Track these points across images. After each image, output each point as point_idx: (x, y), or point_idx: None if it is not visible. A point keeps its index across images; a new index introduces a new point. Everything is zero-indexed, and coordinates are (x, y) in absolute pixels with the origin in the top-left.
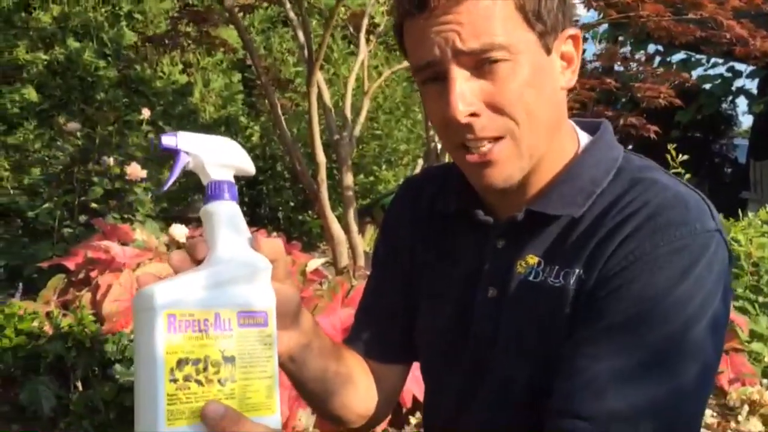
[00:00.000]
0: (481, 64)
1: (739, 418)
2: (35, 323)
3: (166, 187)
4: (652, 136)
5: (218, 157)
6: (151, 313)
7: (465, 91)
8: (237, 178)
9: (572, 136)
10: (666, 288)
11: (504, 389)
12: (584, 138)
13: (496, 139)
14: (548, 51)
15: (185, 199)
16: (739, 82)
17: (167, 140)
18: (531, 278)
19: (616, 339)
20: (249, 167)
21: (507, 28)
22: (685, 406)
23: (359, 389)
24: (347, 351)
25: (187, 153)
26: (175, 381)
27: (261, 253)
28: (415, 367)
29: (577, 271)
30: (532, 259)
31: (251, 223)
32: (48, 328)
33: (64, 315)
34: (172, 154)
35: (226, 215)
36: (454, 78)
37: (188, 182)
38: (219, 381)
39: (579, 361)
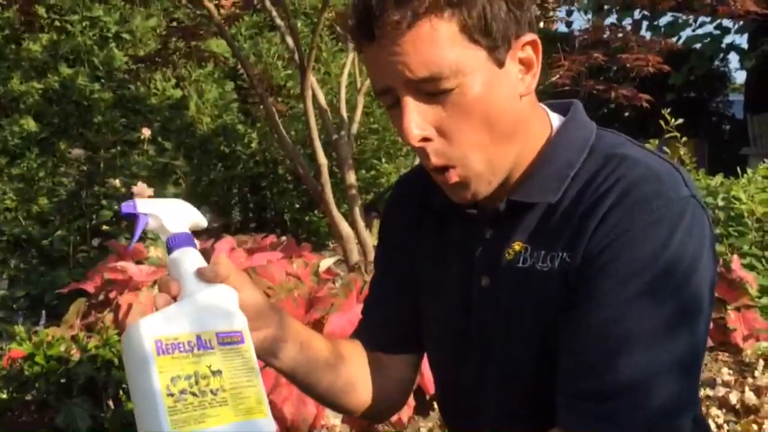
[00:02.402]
0: (432, 90)
1: (756, 373)
2: (63, 348)
3: (131, 246)
4: (645, 105)
5: (173, 214)
6: (140, 341)
7: (417, 117)
8: (239, 186)
9: (544, 121)
10: (651, 258)
11: (512, 374)
12: (556, 120)
13: (448, 167)
14: (500, 64)
15: None
16: (728, 39)
17: (127, 207)
18: (519, 264)
19: (610, 316)
20: (201, 221)
21: (454, 51)
22: (690, 361)
23: (362, 389)
24: (348, 351)
25: (145, 215)
26: (172, 395)
27: (211, 276)
28: None
29: (561, 253)
30: (519, 246)
31: (258, 228)
32: (75, 352)
33: (89, 337)
34: (132, 218)
35: (188, 259)
36: (406, 105)
37: (191, 198)
38: (211, 391)
39: (576, 342)
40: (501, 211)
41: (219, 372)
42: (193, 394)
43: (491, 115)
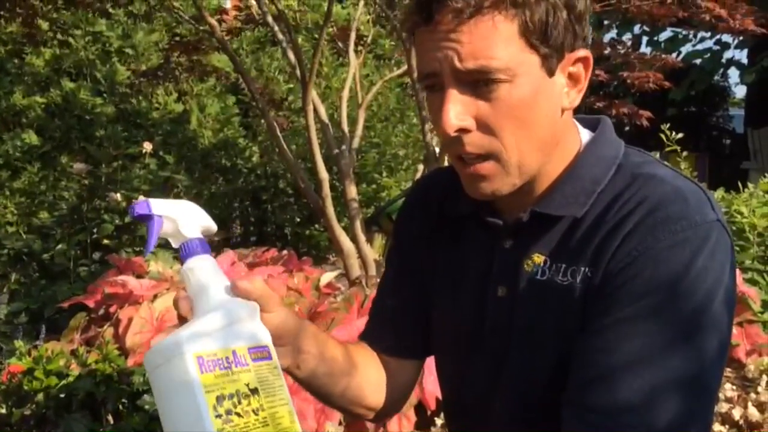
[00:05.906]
0: (477, 82)
1: (759, 389)
2: (62, 363)
3: (149, 251)
4: (645, 123)
5: (187, 218)
6: (180, 359)
7: (458, 107)
8: (240, 199)
9: (574, 135)
10: (671, 279)
11: (523, 385)
12: (585, 136)
13: (483, 157)
14: (551, 73)
15: None
16: (728, 54)
17: (140, 208)
18: (538, 277)
19: (625, 331)
20: (212, 225)
21: (508, 50)
22: (704, 382)
23: (373, 393)
24: (360, 353)
25: (160, 217)
26: (219, 417)
27: (246, 294)
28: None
29: (583, 269)
30: (539, 258)
31: (259, 242)
32: (75, 367)
33: (89, 352)
34: (145, 220)
35: (208, 267)
36: (449, 94)
37: None
38: (253, 411)
39: (590, 354)
40: (523, 222)
41: (256, 390)
42: (238, 415)
43: (532, 120)
